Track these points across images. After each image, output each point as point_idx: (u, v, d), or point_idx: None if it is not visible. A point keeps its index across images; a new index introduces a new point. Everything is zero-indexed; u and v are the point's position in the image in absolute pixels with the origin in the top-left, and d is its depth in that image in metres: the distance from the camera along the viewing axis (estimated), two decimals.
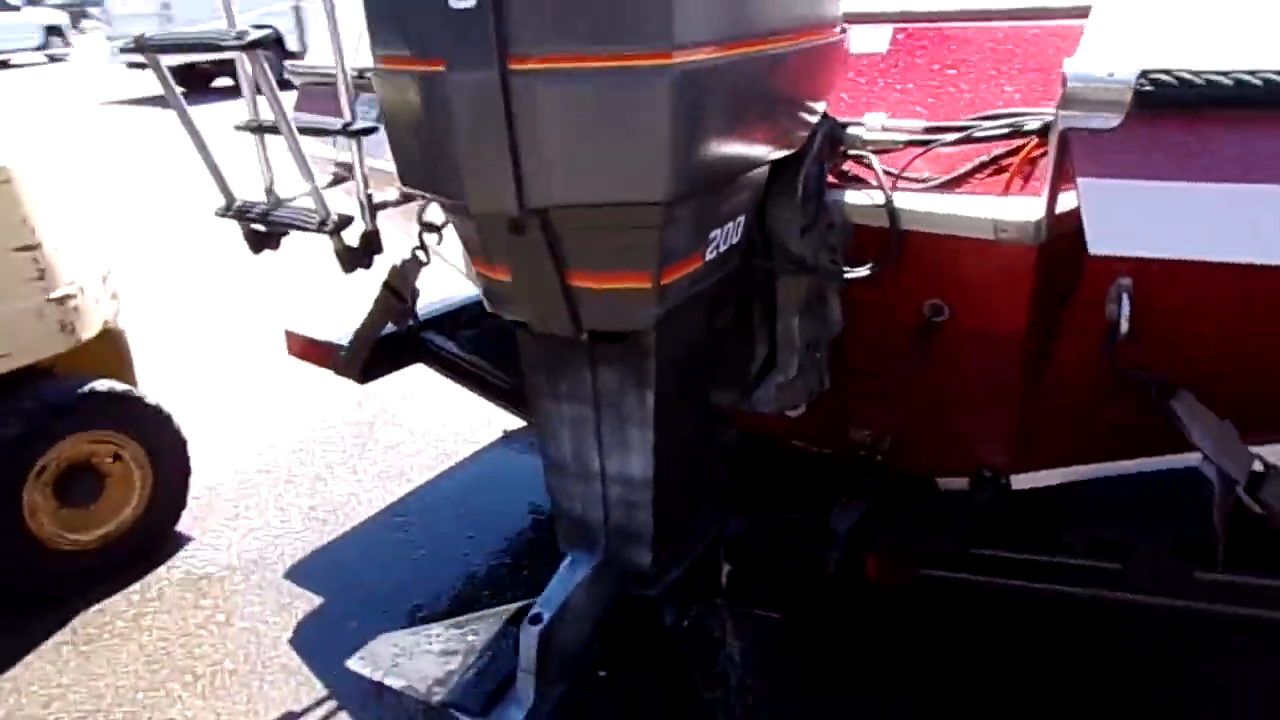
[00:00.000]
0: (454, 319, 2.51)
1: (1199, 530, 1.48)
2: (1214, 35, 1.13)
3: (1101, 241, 1.13)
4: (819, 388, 1.59)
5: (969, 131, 1.42)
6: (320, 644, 2.33)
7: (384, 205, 1.87)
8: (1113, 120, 1.15)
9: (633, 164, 0.98)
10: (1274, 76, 1.05)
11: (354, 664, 1.46)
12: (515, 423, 3.37)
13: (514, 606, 1.44)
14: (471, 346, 2.48)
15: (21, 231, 2.40)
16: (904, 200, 1.42)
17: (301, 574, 2.63)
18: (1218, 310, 1.15)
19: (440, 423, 3.42)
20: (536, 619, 1.25)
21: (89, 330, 2.62)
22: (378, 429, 3.44)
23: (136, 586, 2.61)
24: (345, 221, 1.77)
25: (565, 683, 1.25)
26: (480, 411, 3.41)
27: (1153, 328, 1.16)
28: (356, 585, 2.57)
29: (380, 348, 2.28)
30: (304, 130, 1.84)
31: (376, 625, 2.29)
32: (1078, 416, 1.43)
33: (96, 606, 2.53)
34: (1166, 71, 1.10)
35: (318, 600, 2.51)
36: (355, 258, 1.83)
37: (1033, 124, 1.39)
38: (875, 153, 1.47)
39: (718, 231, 1.21)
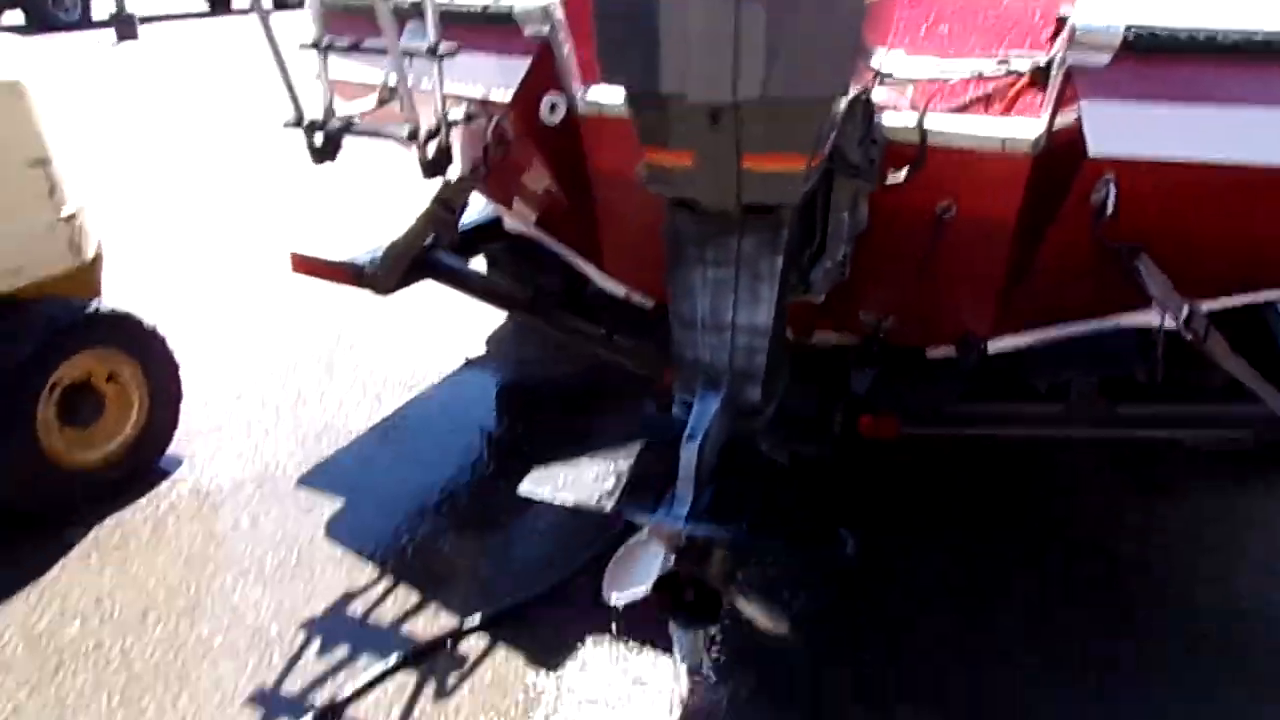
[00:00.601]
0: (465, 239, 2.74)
1: (1120, 375, 2.04)
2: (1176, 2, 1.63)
3: (1099, 146, 1.61)
4: (840, 278, 2.01)
5: (979, 69, 1.87)
6: (357, 537, 2.52)
7: (456, 123, 2.11)
8: (1104, 59, 1.62)
9: (825, 67, 1.34)
10: (1209, 29, 1.55)
11: (524, 489, 1.73)
12: (477, 350, 3.62)
13: (640, 441, 1.78)
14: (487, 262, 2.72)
15: (36, 145, 2.40)
16: (930, 121, 1.85)
17: (311, 484, 2.78)
18: (1175, 196, 1.65)
19: (400, 351, 3.59)
20: (692, 438, 1.59)
21: (91, 250, 2.64)
22: (340, 356, 3.56)
23: (144, 502, 2.68)
24: (433, 133, 2.00)
25: (709, 490, 1.59)
26: (439, 339, 3.64)
27: (1127, 210, 1.66)
28: (368, 489, 2.74)
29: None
30: (373, 50, 2.04)
31: (401, 520, 2.56)
32: (1054, 287, 1.93)
33: (109, 521, 2.58)
34: (1144, 26, 1.58)
35: (337, 503, 2.68)
36: (435, 166, 2.07)
37: (1023, 65, 1.86)
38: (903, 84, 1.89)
39: (832, 134, 1.59)
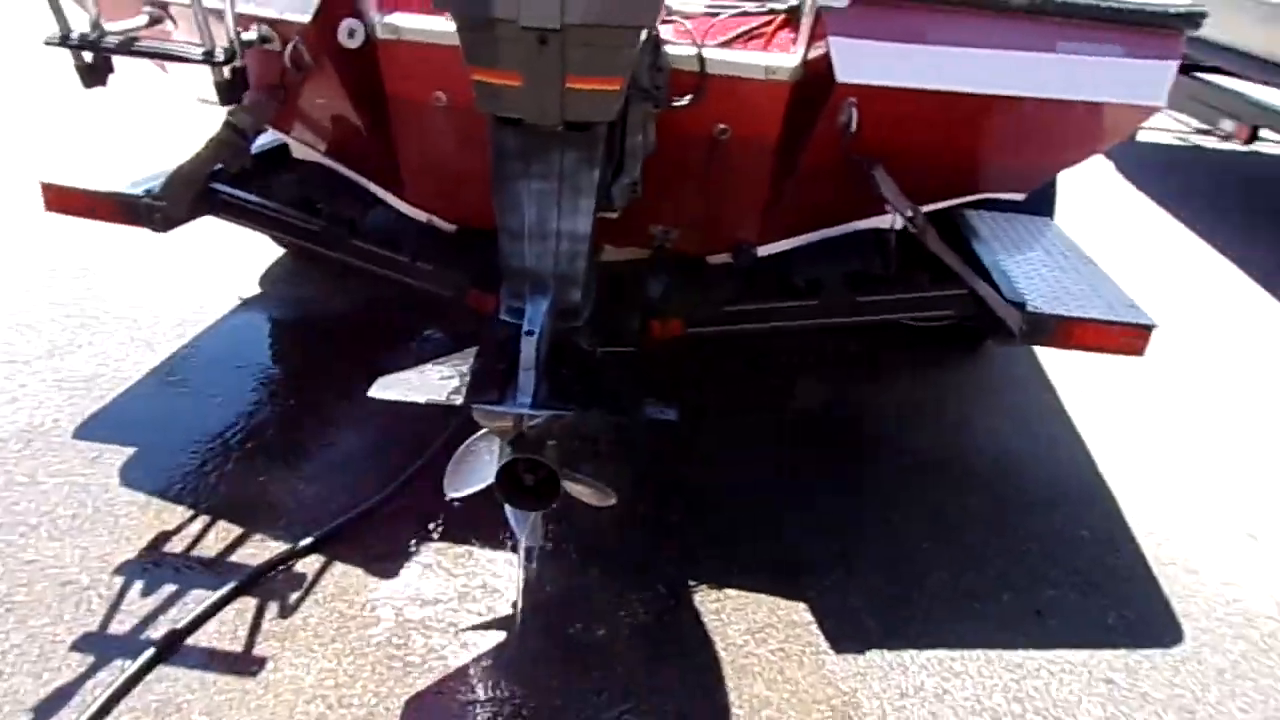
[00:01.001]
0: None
1: (858, 270, 2.47)
2: None
3: (844, 75, 1.96)
4: (634, 195, 2.25)
5: (745, 8, 2.17)
6: (158, 479, 2.44)
7: (251, 44, 2.10)
8: (845, 2, 1.96)
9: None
10: None
11: (374, 392, 1.81)
12: (250, 290, 3.51)
13: (473, 349, 1.93)
14: (271, 194, 2.67)
15: None
16: (707, 53, 2.12)
17: (91, 434, 2.62)
18: (903, 117, 2.04)
19: (162, 294, 3.40)
20: (529, 333, 1.77)
21: None
22: (92, 304, 3.30)
23: None
24: (231, 54, 1.99)
25: (542, 380, 1.78)
26: (204, 280, 3.49)
27: (866, 129, 2.03)
28: (159, 432, 2.63)
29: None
30: None
31: (203, 459, 2.52)
32: (810, 197, 2.29)
33: None
34: None
35: (127, 450, 2.56)
36: (230, 90, 2.06)
37: (780, 5, 2.18)
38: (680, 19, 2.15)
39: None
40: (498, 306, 2.44)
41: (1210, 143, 7.08)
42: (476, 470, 2.02)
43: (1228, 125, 5.57)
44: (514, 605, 2.13)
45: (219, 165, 2.38)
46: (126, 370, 2.94)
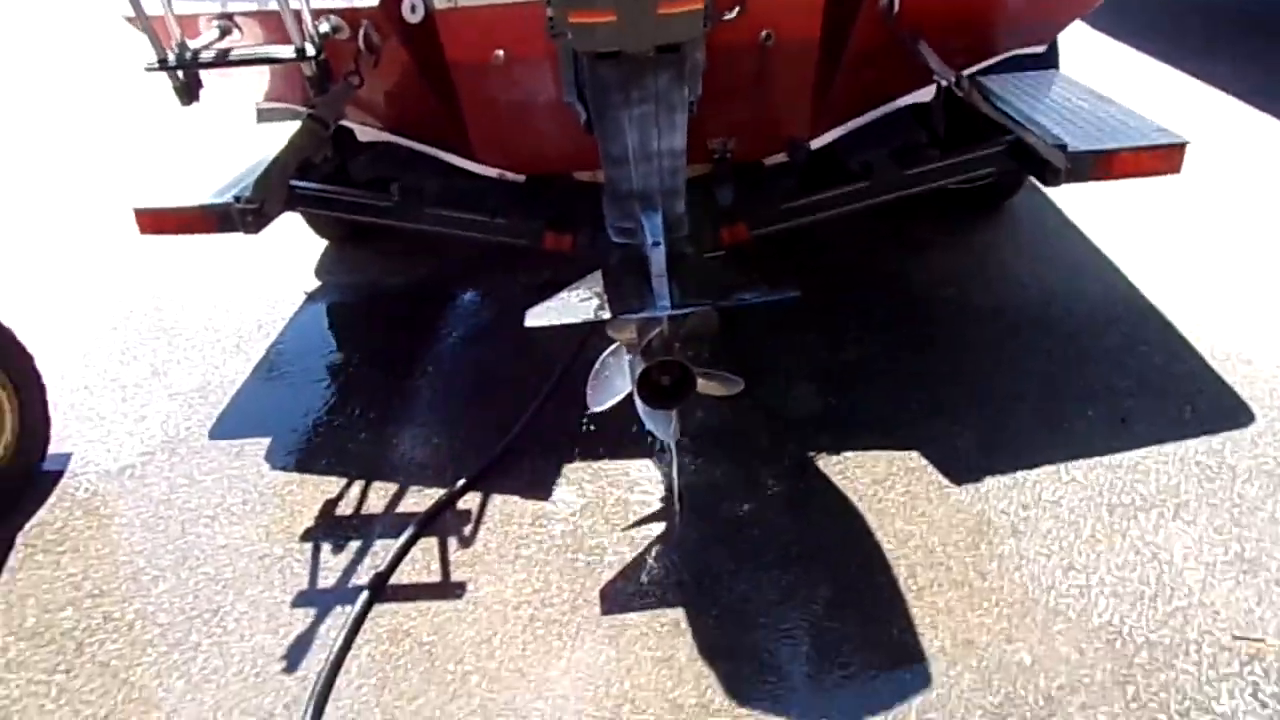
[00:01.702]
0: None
1: (906, 142, 2.66)
2: None
3: None
4: (693, 114, 2.43)
5: None
6: (303, 461, 2.64)
7: (327, 36, 2.24)
8: None
9: None
10: None
11: (531, 322, 2.01)
12: (311, 284, 3.67)
13: (596, 271, 2.13)
14: (347, 179, 2.82)
15: None
16: None
17: (224, 432, 2.80)
18: None
19: (232, 302, 3.56)
20: (656, 244, 1.96)
21: None
22: (171, 320, 3.47)
23: (55, 498, 2.58)
24: (319, 48, 2.14)
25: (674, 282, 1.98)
26: (266, 284, 3.65)
27: (905, 7, 2.21)
28: (284, 422, 2.82)
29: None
30: None
31: (336, 438, 2.71)
32: (858, 83, 2.48)
33: (34, 524, 2.49)
34: None
35: (263, 441, 2.73)
36: (321, 82, 2.21)
37: None
38: None
39: None
40: (573, 244, 2.64)
41: None
42: (614, 382, 2.24)
43: None
44: (664, 498, 2.36)
45: (304, 157, 2.52)
46: (229, 374, 3.12)
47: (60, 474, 2.69)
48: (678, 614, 2.04)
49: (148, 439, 2.81)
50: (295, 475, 2.59)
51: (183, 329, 3.42)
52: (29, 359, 2.68)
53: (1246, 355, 2.75)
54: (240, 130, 3.35)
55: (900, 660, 1.89)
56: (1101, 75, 3.47)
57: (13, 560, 2.37)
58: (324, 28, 2.22)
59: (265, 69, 2.64)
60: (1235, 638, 1.88)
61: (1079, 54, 5.33)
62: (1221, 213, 3.61)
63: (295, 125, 3.01)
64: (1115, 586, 2.02)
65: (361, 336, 3.34)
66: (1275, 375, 2.66)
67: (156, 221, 2.69)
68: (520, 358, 2.98)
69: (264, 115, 3.35)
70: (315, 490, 2.53)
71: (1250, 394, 2.59)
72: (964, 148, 2.65)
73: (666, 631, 2.00)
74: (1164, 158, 2.47)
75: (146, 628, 2.13)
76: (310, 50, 2.10)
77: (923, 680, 1.84)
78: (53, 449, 2.73)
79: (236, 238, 2.73)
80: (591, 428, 2.61)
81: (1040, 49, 2.78)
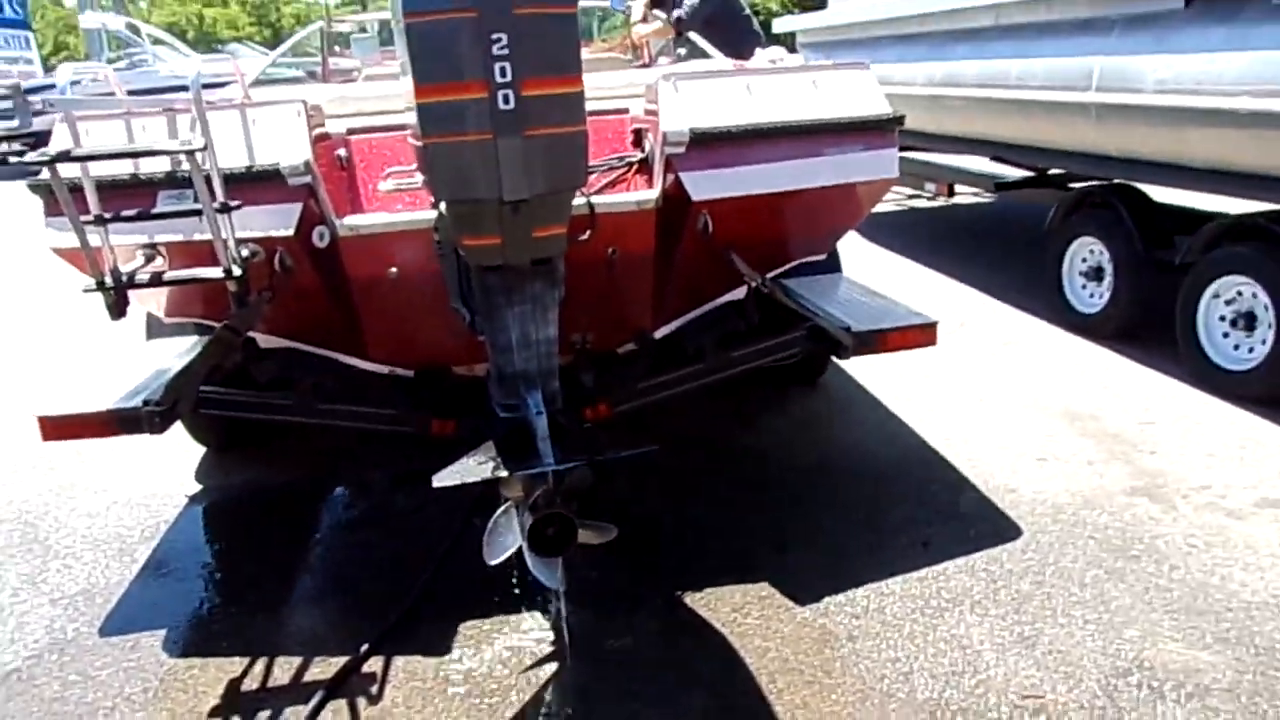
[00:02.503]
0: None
1: (728, 330, 3.30)
2: (725, 109, 2.90)
3: (696, 194, 2.82)
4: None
5: (611, 164, 3.01)
6: (198, 647, 2.76)
7: (250, 259, 2.67)
8: (681, 147, 2.85)
9: (569, 173, 2.29)
10: (731, 125, 2.86)
11: (439, 482, 2.33)
12: (192, 488, 3.82)
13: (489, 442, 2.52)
14: (249, 382, 3.13)
15: None
16: (595, 199, 2.91)
17: (115, 629, 2.86)
18: (742, 214, 2.91)
19: (120, 497, 3.66)
20: (540, 413, 2.39)
21: None
22: (49, 527, 3.51)
23: None
24: (244, 269, 2.56)
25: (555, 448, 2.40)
26: (140, 492, 3.78)
27: (717, 228, 2.89)
28: (175, 611, 2.93)
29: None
30: (167, 215, 2.54)
31: (225, 621, 2.87)
32: (687, 285, 3.11)
33: None
34: (698, 128, 2.84)
35: (159, 632, 2.83)
36: (242, 297, 2.61)
37: (634, 158, 3.04)
38: None
39: None
40: (455, 428, 3.05)
41: (922, 202, 8.83)
42: (506, 538, 2.58)
43: (930, 187, 7.16)
44: (554, 641, 2.66)
45: (216, 363, 2.84)
46: (115, 576, 3.19)
47: None
48: None
49: (31, 644, 2.83)
50: (196, 660, 2.70)
51: (58, 539, 3.45)
52: None
53: (1011, 486, 3.44)
54: (124, 347, 3.61)
55: None
56: (878, 277, 4.35)
57: None
58: (245, 252, 2.63)
59: (176, 289, 2.98)
60: (1023, 697, 2.36)
61: (861, 261, 6.45)
62: (982, 379, 4.47)
63: (182, 340, 3.37)
64: (932, 669, 2.48)
65: (248, 531, 3.50)
66: (1033, 499, 3.33)
67: (60, 428, 2.86)
68: (400, 538, 3.26)
69: (154, 332, 3.64)
70: (218, 672, 2.64)
71: (1016, 515, 3.23)
72: (773, 333, 3.31)
73: None
74: (924, 334, 3.21)
75: None
76: (236, 271, 2.50)
77: None
78: None
79: (98, 452, 2.94)
80: (482, 590, 2.89)
81: (822, 257, 3.56)
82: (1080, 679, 2.41)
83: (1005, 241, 7.34)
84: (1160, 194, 4.99)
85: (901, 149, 3.27)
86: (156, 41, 19.62)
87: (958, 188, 7.26)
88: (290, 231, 2.68)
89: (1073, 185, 5.70)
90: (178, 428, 3.77)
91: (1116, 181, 4.99)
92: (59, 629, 2.89)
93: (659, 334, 3.26)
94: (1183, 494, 3.32)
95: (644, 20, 5.79)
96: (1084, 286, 5.16)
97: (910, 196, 8.90)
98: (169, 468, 3.94)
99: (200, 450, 4.06)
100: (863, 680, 2.45)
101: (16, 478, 3.96)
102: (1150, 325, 4.76)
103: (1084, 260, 5.16)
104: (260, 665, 2.66)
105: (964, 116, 5.88)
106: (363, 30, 6.91)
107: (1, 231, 10.42)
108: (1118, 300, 4.87)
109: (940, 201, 8.53)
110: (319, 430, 3.62)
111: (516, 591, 2.83)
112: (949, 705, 2.34)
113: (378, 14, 8.75)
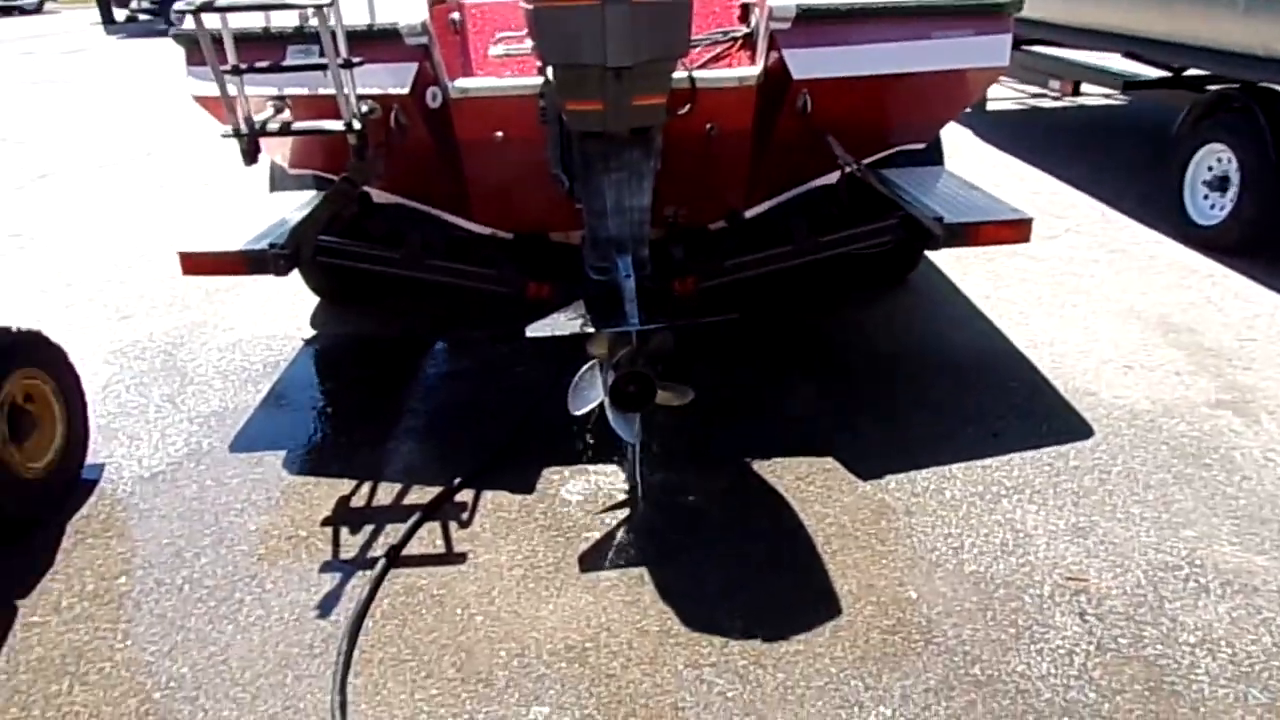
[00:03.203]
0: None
1: (819, 213, 3.34)
2: None
3: (798, 72, 2.83)
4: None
5: (714, 39, 3.03)
6: (313, 467, 3.09)
7: (368, 115, 2.83)
8: (787, 24, 2.84)
9: (672, 42, 2.35)
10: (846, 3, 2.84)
11: (531, 332, 2.54)
12: (308, 333, 4.15)
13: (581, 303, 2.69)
14: (364, 234, 3.36)
15: None
16: (696, 74, 2.96)
17: (243, 446, 3.22)
18: (842, 96, 2.92)
19: (238, 343, 4.02)
20: (629, 277, 2.54)
21: None
22: (185, 358, 3.90)
23: (96, 498, 2.97)
24: (364, 122, 2.72)
25: (640, 310, 2.55)
26: (266, 330, 4.13)
27: (816, 109, 2.91)
28: (297, 438, 3.27)
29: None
30: (296, 68, 2.71)
31: (336, 447, 3.17)
32: (781, 166, 3.15)
33: (81, 520, 2.87)
34: (805, 4, 2.83)
35: (279, 453, 3.18)
36: (362, 149, 2.78)
37: (738, 34, 3.05)
38: None
39: None
40: (551, 292, 3.22)
41: (1046, 102, 8.39)
42: (590, 392, 2.78)
43: (1055, 84, 6.79)
44: (629, 489, 2.88)
45: (335, 212, 3.07)
46: (241, 403, 3.55)
47: (96, 481, 3.08)
48: (642, 571, 2.54)
49: (173, 452, 3.22)
50: (311, 479, 3.04)
51: (193, 368, 3.84)
52: (77, 376, 3.10)
53: (1091, 390, 3.44)
54: (253, 197, 3.89)
55: (818, 599, 2.42)
56: (990, 178, 4.27)
57: (66, 543, 2.75)
58: (364, 108, 2.80)
59: (301, 141, 3.20)
60: (1066, 578, 2.46)
61: (975, 161, 6.26)
62: (1081, 285, 4.38)
63: (301, 194, 3.61)
64: (981, 547, 2.60)
65: (357, 375, 3.82)
66: (1111, 404, 3.34)
67: (197, 264, 3.17)
68: (494, 389, 3.51)
69: (276, 185, 3.90)
70: (329, 490, 2.97)
71: (1092, 417, 3.26)
72: (865, 220, 3.33)
73: (633, 583, 2.50)
74: (1017, 230, 3.19)
75: (195, 589, 2.53)
76: (356, 125, 2.67)
77: (835, 611, 2.37)
78: (87, 462, 3.12)
79: (232, 294, 3.16)
80: (566, 440, 3.12)
81: (922, 146, 3.52)
82: (1127, 569, 2.49)
83: (1129, 146, 6.97)
84: None
85: (1026, 42, 3.20)
86: None
87: (1085, 87, 6.87)
88: (406, 90, 2.82)
89: (1210, 88, 5.35)
90: (296, 279, 4.10)
91: (1260, 85, 4.67)
92: (195, 442, 3.27)
93: (750, 213, 3.33)
94: (1270, 410, 3.27)
95: None
96: (1206, 197, 4.92)
97: (1033, 95, 8.47)
98: (287, 314, 4.29)
99: (315, 300, 4.38)
100: (914, 550, 2.59)
101: (155, 313, 4.38)
102: (1269, 242, 4.54)
103: (1210, 169, 4.90)
104: (366, 488, 2.97)
105: (1098, 7, 5.53)
106: None
107: (141, 83, 10.97)
108: (1240, 213, 4.64)
109: (1065, 101, 8.09)
110: (424, 289, 3.88)
111: (596, 443, 3.05)
112: (993, 579, 2.47)
113: None
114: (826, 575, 2.50)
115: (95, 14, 18.46)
